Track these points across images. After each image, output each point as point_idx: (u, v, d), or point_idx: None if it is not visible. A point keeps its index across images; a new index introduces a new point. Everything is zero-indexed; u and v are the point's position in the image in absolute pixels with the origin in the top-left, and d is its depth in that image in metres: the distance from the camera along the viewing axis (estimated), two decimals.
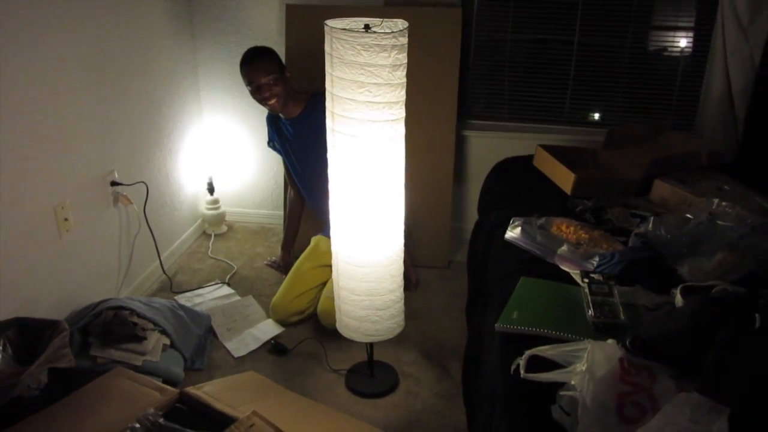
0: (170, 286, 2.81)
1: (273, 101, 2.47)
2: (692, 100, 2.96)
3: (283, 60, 2.94)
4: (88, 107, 2.35)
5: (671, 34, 2.93)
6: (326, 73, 1.79)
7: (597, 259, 1.66)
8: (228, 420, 1.77)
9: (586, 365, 1.22)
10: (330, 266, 2.63)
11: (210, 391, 1.92)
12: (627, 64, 2.95)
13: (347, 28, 1.75)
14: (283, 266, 2.90)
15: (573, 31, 2.92)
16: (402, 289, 2.10)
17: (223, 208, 3.37)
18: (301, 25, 2.89)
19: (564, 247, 1.74)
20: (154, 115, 2.83)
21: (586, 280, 1.54)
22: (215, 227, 3.35)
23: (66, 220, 2.24)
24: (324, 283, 2.60)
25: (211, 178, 3.31)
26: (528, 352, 1.35)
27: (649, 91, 2.98)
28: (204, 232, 3.38)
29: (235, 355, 2.38)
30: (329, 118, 1.84)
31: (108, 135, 2.48)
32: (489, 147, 3.09)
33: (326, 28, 1.73)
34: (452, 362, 2.36)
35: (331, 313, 2.33)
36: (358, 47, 1.66)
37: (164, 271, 2.82)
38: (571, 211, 2.05)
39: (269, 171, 3.34)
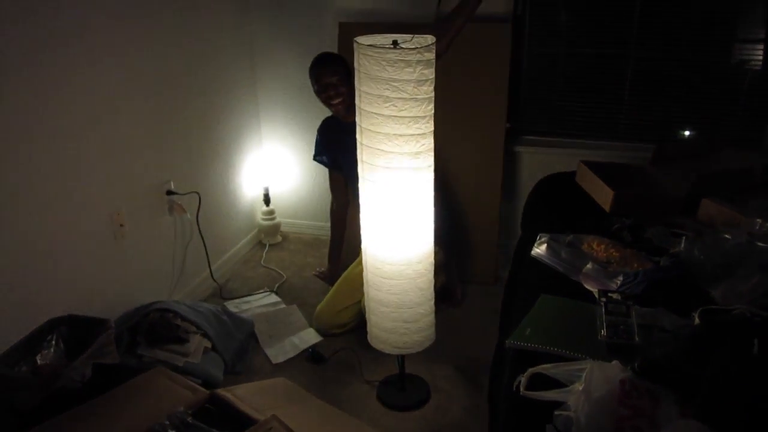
0: (220, 293, 2.93)
1: (338, 101, 2.54)
2: (761, 114, 2.80)
3: None
4: (148, 119, 2.50)
5: (737, 46, 2.80)
6: (355, 88, 1.83)
7: (621, 278, 1.61)
8: (251, 422, 1.82)
9: (584, 385, 1.19)
10: None
11: (239, 394, 1.99)
12: (688, 77, 2.84)
13: (375, 44, 1.78)
14: (330, 277, 2.96)
15: (629, 44, 2.84)
16: (432, 302, 2.10)
17: (278, 219, 3.47)
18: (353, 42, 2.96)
19: (589, 265, 1.69)
20: (212, 127, 2.97)
21: (603, 299, 1.49)
22: (270, 237, 3.46)
23: (122, 226, 2.39)
24: None
25: (267, 189, 3.42)
26: (531, 370, 1.32)
27: (713, 105, 2.85)
28: (260, 242, 3.49)
29: (273, 362, 2.45)
30: (358, 134, 1.88)
31: (166, 146, 2.63)
32: (541, 163, 3.04)
33: (355, 45, 1.77)
34: (486, 379, 2.32)
35: (318, 317, 2.57)
36: (383, 63, 1.70)
37: (213, 279, 2.94)
38: (607, 229, 1.99)
39: (324, 183, 3.41)
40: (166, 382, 2.07)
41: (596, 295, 1.61)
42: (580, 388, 1.18)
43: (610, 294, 1.51)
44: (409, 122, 1.78)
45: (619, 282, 1.60)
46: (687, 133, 2.98)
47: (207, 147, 2.95)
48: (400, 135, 1.79)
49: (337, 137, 2.71)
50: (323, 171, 3.36)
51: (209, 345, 2.35)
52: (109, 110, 2.27)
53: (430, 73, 1.76)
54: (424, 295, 2.05)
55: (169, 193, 2.64)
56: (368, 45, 1.74)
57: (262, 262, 3.27)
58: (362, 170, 1.91)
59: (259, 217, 3.46)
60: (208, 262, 2.89)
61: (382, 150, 1.82)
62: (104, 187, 2.29)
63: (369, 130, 1.81)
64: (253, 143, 3.37)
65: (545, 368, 1.31)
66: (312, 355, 2.47)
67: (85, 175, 2.19)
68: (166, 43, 2.57)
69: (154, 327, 2.29)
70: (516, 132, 3.09)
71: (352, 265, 2.78)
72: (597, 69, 2.95)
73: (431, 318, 2.12)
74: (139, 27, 2.39)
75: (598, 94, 2.98)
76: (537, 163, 3.06)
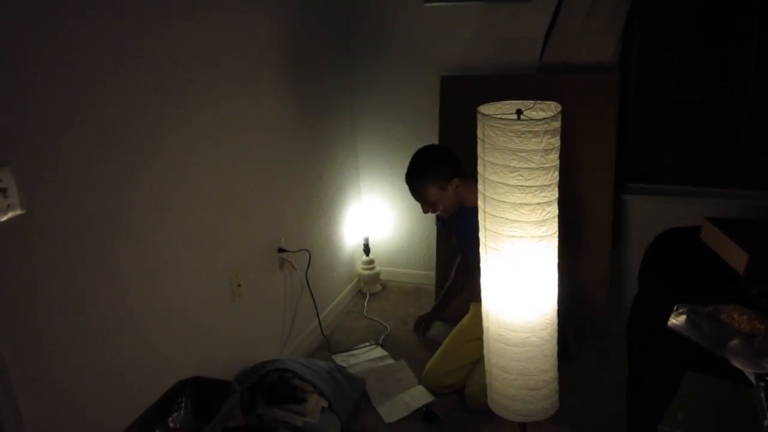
0: (328, 347, 2.96)
1: (436, 213, 2.53)
2: None
3: (437, 132, 3.04)
4: (261, 180, 2.59)
5: None
6: (478, 157, 1.83)
7: None
8: None
9: None
10: None
11: None
12: None
13: (499, 114, 1.78)
14: (425, 326, 2.93)
15: (744, 88, 2.72)
16: (556, 369, 2.04)
17: (377, 268, 3.50)
18: (455, 96, 2.97)
19: (735, 341, 1.60)
20: (316, 183, 3.04)
21: (762, 384, 1.41)
22: (370, 287, 3.49)
23: (239, 286, 2.46)
24: (479, 360, 2.59)
25: (367, 239, 3.46)
26: None
27: None
28: (359, 291, 3.52)
29: (387, 421, 2.44)
30: (480, 200, 1.87)
31: (277, 205, 2.71)
32: (650, 212, 2.95)
33: (478, 115, 1.77)
34: None
35: (476, 398, 2.41)
36: (510, 134, 1.69)
37: (323, 334, 2.98)
38: (744, 295, 1.89)
39: (422, 232, 3.43)
40: None
41: (750, 376, 1.52)
42: None
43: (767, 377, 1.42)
44: (536, 191, 1.76)
45: None
46: None
47: (312, 202, 3.02)
48: (526, 204, 1.77)
49: (451, 220, 2.68)
50: (422, 221, 3.38)
51: (326, 404, 2.36)
52: (226, 171, 2.36)
53: (557, 141, 1.74)
54: (549, 361, 1.99)
55: (281, 250, 2.71)
56: (493, 116, 1.74)
57: (364, 312, 3.29)
58: (485, 238, 1.90)
59: (359, 266, 3.50)
60: (318, 317, 2.94)
61: (507, 219, 1.80)
62: (223, 249, 2.38)
63: (493, 199, 1.80)
64: (353, 195, 3.43)
65: None
66: (426, 414, 2.45)
67: (205, 238, 2.27)
68: (274, 102, 2.66)
69: (274, 387, 2.33)
70: (623, 180, 3.00)
71: (461, 323, 2.74)
72: (709, 114, 2.84)
73: (555, 385, 2.05)
74: (250, 92, 2.49)
75: (710, 141, 2.87)
76: (645, 212, 2.97)
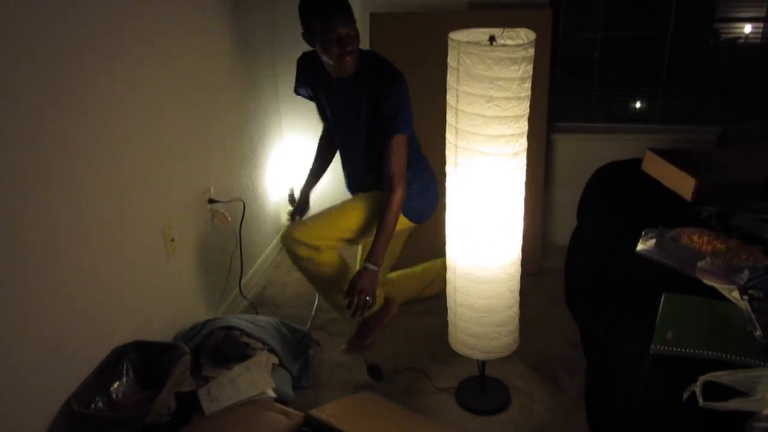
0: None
1: (350, 58, 2.11)
2: None
3: None
4: (186, 126, 2.35)
5: None
6: (449, 87, 1.75)
7: (747, 272, 1.58)
8: None
9: None
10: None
11: (334, 415, 1.90)
12: (724, 60, 2.84)
13: (472, 41, 1.70)
14: (297, 207, 2.59)
15: (666, 28, 2.82)
16: (518, 304, 2.05)
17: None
18: (386, 34, 2.84)
19: (705, 261, 1.67)
20: (241, 129, 2.83)
21: (746, 297, 1.47)
22: None
23: (173, 240, 2.25)
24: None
25: (292, 190, 3.28)
26: (703, 378, 1.28)
27: (752, 87, 2.86)
28: None
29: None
30: (450, 133, 1.80)
31: (204, 152, 2.48)
32: (576, 150, 3.02)
33: (451, 42, 1.69)
34: (562, 375, 2.30)
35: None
36: (489, 61, 1.62)
37: (242, 293, 2.76)
38: (695, 219, 1.97)
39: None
40: (252, 407, 1.97)
41: (723, 292, 1.59)
42: None
43: (750, 291, 1.48)
44: (511, 122, 1.71)
45: (745, 277, 1.58)
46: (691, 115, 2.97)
47: (238, 151, 2.80)
48: (501, 136, 1.72)
49: (318, 78, 2.34)
50: None
51: (276, 361, 2.24)
52: (148, 119, 2.11)
53: (531, 69, 1.69)
54: (515, 296, 2.00)
55: (211, 201, 2.50)
56: (468, 42, 1.66)
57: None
58: (455, 173, 1.83)
59: (284, 218, 3.33)
60: (241, 271, 2.72)
61: (482, 152, 1.74)
62: (153, 201, 2.14)
63: (467, 131, 1.73)
64: (277, 142, 3.23)
65: (719, 375, 1.28)
66: (370, 370, 2.35)
67: (133, 189, 2.02)
68: (196, 48, 2.42)
69: (222, 346, 2.17)
70: (549, 119, 3.04)
71: (340, 205, 2.46)
72: (633, 52, 2.92)
73: (518, 319, 2.07)
74: (173, 36, 2.24)
75: (634, 79, 2.96)
76: (572, 150, 3.04)
